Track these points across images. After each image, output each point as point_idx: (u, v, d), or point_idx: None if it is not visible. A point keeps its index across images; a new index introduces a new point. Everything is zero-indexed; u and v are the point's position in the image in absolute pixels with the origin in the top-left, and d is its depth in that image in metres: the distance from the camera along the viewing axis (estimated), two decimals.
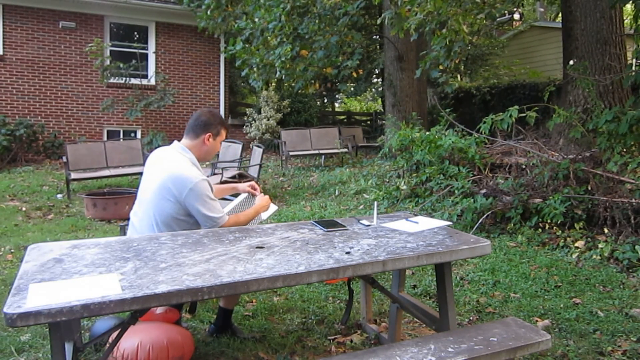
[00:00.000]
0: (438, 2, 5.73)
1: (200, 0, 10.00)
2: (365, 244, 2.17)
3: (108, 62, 10.59)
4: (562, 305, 3.28)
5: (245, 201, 3.00)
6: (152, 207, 2.49)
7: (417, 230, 2.44)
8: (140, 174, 7.93)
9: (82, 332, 2.72)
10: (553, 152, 5.56)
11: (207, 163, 9.47)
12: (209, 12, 9.34)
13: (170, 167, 2.49)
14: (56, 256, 1.94)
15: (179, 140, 2.67)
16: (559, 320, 3.06)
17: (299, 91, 11.38)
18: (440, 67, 6.41)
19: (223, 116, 12.06)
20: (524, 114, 5.31)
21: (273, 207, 2.98)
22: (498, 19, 12.97)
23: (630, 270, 3.86)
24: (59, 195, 7.06)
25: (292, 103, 12.39)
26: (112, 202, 5.94)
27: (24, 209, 6.29)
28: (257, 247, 2.10)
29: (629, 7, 6.73)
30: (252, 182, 3.01)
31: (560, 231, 4.63)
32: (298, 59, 7.72)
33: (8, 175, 8.50)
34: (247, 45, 8.35)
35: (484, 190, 5.26)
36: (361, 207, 6.25)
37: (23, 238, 4.96)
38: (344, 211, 6.16)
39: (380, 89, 16.78)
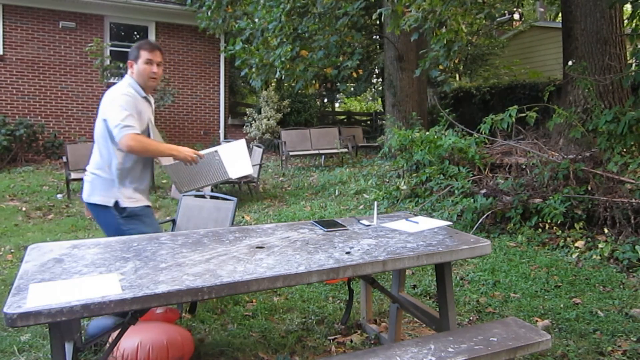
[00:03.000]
0: (435, 0, 5.73)
1: (201, 1, 10.00)
2: (365, 244, 2.17)
3: (108, 62, 10.59)
4: (562, 305, 3.28)
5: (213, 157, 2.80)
6: (95, 133, 2.66)
7: (417, 230, 2.44)
8: None
9: (82, 332, 2.72)
10: (553, 152, 5.56)
11: None
12: (209, 13, 9.33)
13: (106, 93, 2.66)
14: (56, 256, 1.94)
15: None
16: (559, 320, 3.06)
17: (299, 91, 11.37)
18: (440, 67, 6.40)
19: (222, 114, 12.09)
20: (524, 114, 5.31)
21: (240, 170, 2.77)
22: (498, 19, 12.98)
23: (630, 270, 3.86)
24: (59, 195, 7.06)
25: (292, 103, 12.38)
26: None
27: (24, 209, 6.29)
28: (257, 247, 2.10)
29: (628, 7, 6.73)
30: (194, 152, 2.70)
31: (560, 231, 4.63)
32: (298, 59, 7.72)
33: (8, 175, 8.50)
34: (247, 46, 8.35)
35: (484, 190, 5.26)
36: (361, 207, 6.25)
37: (23, 238, 4.96)
38: (344, 211, 6.16)
39: (380, 89, 16.79)
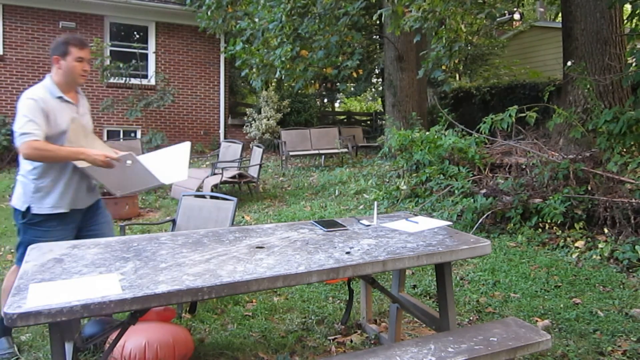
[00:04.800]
0: (435, 1, 5.73)
1: (201, 0, 10.00)
2: (365, 244, 2.17)
3: (108, 62, 10.58)
4: (562, 305, 3.28)
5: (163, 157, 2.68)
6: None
7: (417, 230, 2.44)
8: None
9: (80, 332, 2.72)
10: (553, 152, 5.56)
11: (207, 163, 9.49)
12: (209, 13, 9.33)
13: None
14: (56, 256, 1.94)
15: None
16: (559, 320, 3.06)
17: (299, 91, 11.37)
18: (443, 67, 6.40)
19: (222, 114, 12.08)
20: (524, 114, 5.31)
21: (175, 176, 2.63)
22: (498, 19, 12.96)
23: (630, 270, 3.86)
24: None
25: (292, 103, 12.38)
26: (112, 202, 5.93)
27: None
28: (257, 247, 2.10)
29: (628, 7, 6.73)
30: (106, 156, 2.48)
31: (560, 231, 4.63)
32: (298, 59, 7.71)
33: (8, 175, 8.50)
34: (247, 46, 8.35)
35: (484, 190, 5.26)
36: (361, 207, 6.25)
37: None
38: (344, 211, 6.16)
39: (380, 89, 16.79)
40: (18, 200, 2.56)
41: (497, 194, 5.13)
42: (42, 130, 2.41)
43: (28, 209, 2.52)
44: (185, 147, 2.72)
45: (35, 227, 2.54)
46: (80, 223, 2.68)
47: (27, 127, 2.39)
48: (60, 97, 2.55)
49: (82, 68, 2.56)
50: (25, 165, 2.54)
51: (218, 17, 9.37)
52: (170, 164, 2.65)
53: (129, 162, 2.47)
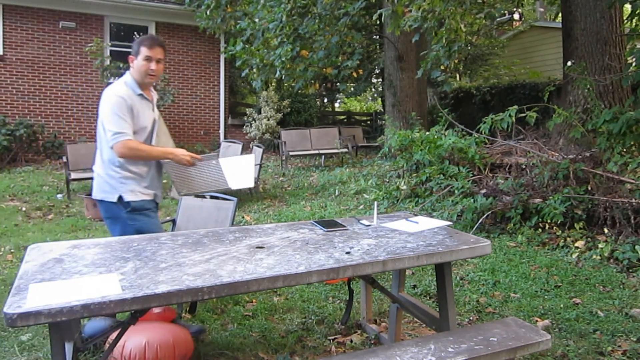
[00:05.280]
0: (435, 0, 5.73)
1: (200, 0, 9.99)
2: (365, 244, 2.17)
3: (108, 62, 10.58)
4: (562, 305, 3.28)
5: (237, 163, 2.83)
6: (97, 132, 2.68)
7: (417, 230, 2.44)
8: None
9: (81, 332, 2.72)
10: (553, 152, 5.56)
11: None
12: (208, 12, 9.33)
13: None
14: (56, 256, 1.94)
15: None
16: (559, 320, 3.06)
17: (299, 91, 11.37)
18: (442, 67, 6.41)
19: (222, 114, 12.08)
20: (524, 114, 5.31)
21: (242, 182, 2.77)
22: (498, 19, 12.97)
23: (630, 270, 3.86)
24: (59, 195, 7.06)
25: (292, 103, 12.38)
26: None
27: (24, 209, 6.29)
28: (257, 247, 2.10)
29: (628, 7, 6.73)
30: (191, 155, 2.74)
31: (560, 231, 4.63)
32: (298, 59, 7.71)
33: (8, 175, 8.50)
34: (247, 46, 8.35)
35: (484, 190, 5.26)
36: (361, 207, 6.25)
37: (23, 238, 4.96)
38: (344, 211, 6.16)
39: (380, 89, 16.78)
40: (104, 193, 2.65)
41: (497, 194, 5.13)
42: (131, 128, 2.56)
43: (120, 198, 2.62)
44: (250, 158, 2.88)
45: (139, 213, 2.65)
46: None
47: (120, 126, 2.52)
48: (140, 95, 2.67)
49: (149, 67, 2.64)
50: (105, 158, 2.64)
51: (217, 16, 9.37)
52: (238, 171, 2.79)
53: (214, 162, 2.65)
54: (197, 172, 2.70)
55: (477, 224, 4.91)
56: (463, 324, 3.06)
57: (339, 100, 21.78)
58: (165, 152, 2.68)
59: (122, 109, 2.54)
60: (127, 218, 2.64)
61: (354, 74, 8.49)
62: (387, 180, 7.30)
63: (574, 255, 4.21)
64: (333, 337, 2.86)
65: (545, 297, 3.44)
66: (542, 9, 17.26)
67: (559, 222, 4.59)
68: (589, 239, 4.41)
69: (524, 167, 5.57)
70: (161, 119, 2.91)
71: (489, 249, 2.24)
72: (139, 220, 2.64)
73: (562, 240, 4.48)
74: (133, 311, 1.80)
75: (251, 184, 2.84)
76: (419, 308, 2.61)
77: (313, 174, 9.01)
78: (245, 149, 7.86)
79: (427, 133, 6.49)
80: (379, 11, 6.73)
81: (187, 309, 3.16)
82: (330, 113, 17.45)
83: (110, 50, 10.97)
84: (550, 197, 4.73)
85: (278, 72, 7.83)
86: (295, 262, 1.90)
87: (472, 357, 1.85)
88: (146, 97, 2.72)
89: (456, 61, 6.43)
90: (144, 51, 2.63)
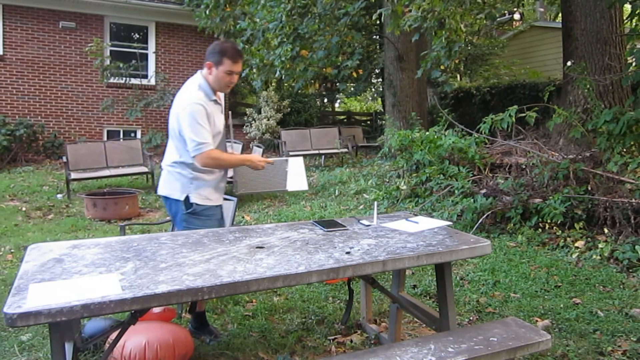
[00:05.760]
0: (435, 0, 5.73)
1: (199, 0, 9.99)
2: (365, 244, 2.17)
3: (108, 62, 10.58)
4: (562, 305, 3.28)
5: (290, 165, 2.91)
6: (170, 130, 2.71)
7: (417, 230, 2.44)
8: (141, 174, 7.95)
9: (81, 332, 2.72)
10: (553, 152, 5.56)
11: None
12: (207, 12, 9.32)
13: (179, 91, 2.68)
14: (56, 256, 1.94)
15: None
16: (559, 320, 3.06)
17: (299, 91, 11.37)
18: (442, 67, 6.40)
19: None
20: (524, 114, 5.31)
21: (297, 184, 2.86)
22: (498, 19, 12.96)
23: (630, 270, 3.86)
24: (59, 195, 7.06)
25: (292, 103, 12.38)
26: (112, 202, 5.94)
27: (24, 209, 6.29)
28: (257, 247, 2.10)
29: (628, 7, 6.73)
30: (266, 161, 2.82)
31: (560, 231, 4.63)
32: (298, 59, 7.71)
33: (8, 175, 8.50)
34: (247, 46, 8.34)
35: (484, 190, 5.26)
36: (361, 207, 6.25)
37: (23, 238, 4.96)
38: (344, 211, 6.16)
39: (380, 89, 16.78)
40: (174, 191, 2.68)
41: (497, 194, 5.13)
42: (211, 135, 2.59)
43: (187, 198, 2.64)
44: (300, 161, 2.94)
45: (197, 216, 2.66)
46: (221, 216, 2.81)
47: (202, 136, 2.53)
48: (214, 100, 2.67)
49: (230, 80, 2.65)
50: (177, 157, 2.65)
51: (216, 15, 9.36)
52: (292, 173, 2.86)
53: (287, 169, 2.74)
54: (260, 174, 2.77)
55: (477, 224, 4.91)
56: (463, 324, 3.06)
57: (339, 100, 21.78)
58: (243, 159, 2.73)
59: (202, 118, 2.53)
60: (184, 219, 2.67)
61: (354, 74, 8.48)
62: (387, 180, 7.30)
63: (574, 255, 4.21)
64: (333, 337, 2.86)
65: (545, 297, 3.44)
66: (542, 9, 17.26)
67: (559, 222, 4.59)
68: (589, 239, 4.41)
69: (524, 167, 5.57)
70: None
71: (489, 249, 2.24)
72: (193, 224, 2.65)
73: (562, 240, 4.48)
74: (133, 311, 1.80)
75: (306, 187, 2.90)
76: (419, 308, 2.61)
77: (313, 174, 9.01)
78: (246, 149, 7.86)
79: (427, 133, 6.48)
80: (379, 11, 6.73)
81: (187, 309, 3.16)
82: (330, 113, 17.45)
83: (110, 50, 10.97)
84: (550, 197, 4.73)
85: (278, 72, 7.82)
86: (295, 262, 1.90)
87: (472, 357, 1.85)
88: (218, 101, 2.72)
89: (456, 61, 6.43)
90: (228, 65, 2.58)
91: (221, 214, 2.81)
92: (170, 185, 2.70)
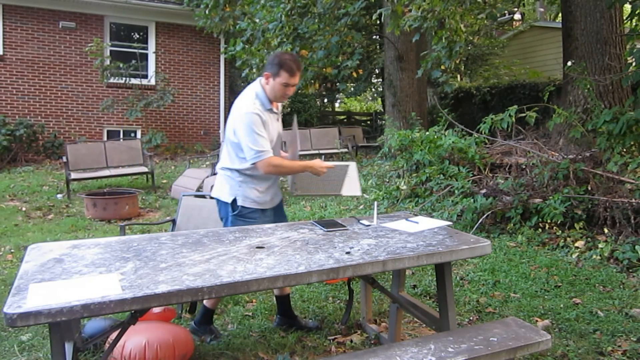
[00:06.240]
0: (435, 0, 5.73)
1: (199, 0, 9.99)
2: (365, 244, 2.17)
3: (108, 62, 10.59)
4: (562, 305, 3.28)
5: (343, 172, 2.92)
6: (225, 135, 2.75)
7: (417, 230, 2.44)
8: (141, 174, 7.95)
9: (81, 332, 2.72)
10: (553, 152, 5.56)
11: (207, 163, 9.48)
12: (207, 12, 9.33)
13: (238, 97, 2.74)
14: (56, 256, 1.94)
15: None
16: (559, 320, 3.06)
17: (299, 91, 11.37)
18: (442, 67, 6.40)
19: (222, 114, 12.07)
20: (524, 114, 5.31)
21: (351, 190, 2.86)
22: (498, 19, 12.96)
23: (630, 270, 3.86)
24: (59, 195, 7.06)
25: (292, 103, 12.39)
26: (112, 202, 5.94)
27: (24, 209, 6.29)
28: (257, 247, 2.10)
29: (628, 7, 6.73)
30: (327, 166, 2.84)
31: (560, 231, 4.63)
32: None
33: (8, 175, 8.50)
34: (247, 46, 8.34)
35: (484, 190, 5.26)
36: (361, 207, 6.25)
37: (23, 238, 4.96)
38: (344, 211, 6.16)
39: (380, 89, 16.78)
40: (224, 193, 2.74)
41: (497, 194, 5.13)
42: (269, 143, 2.62)
43: (234, 200, 2.68)
44: (354, 166, 2.95)
45: (243, 218, 2.69)
46: (273, 219, 2.82)
47: (260, 145, 2.57)
48: (270, 109, 2.71)
49: (285, 93, 2.68)
50: (229, 163, 2.71)
51: (215, 15, 9.37)
52: (350, 179, 2.87)
53: (348, 174, 2.76)
54: (321, 177, 2.79)
55: (477, 224, 4.91)
56: (463, 324, 3.06)
57: (339, 100, 21.79)
58: (304, 166, 2.74)
59: (259, 127, 2.57)
60: (230, 221, 2.71)
61: (354, 74, 8.49)
62: (387, 180, 7.30)
63: (574, 255, 4.21)
64: (333, 337, 2.86)
65: (545, 297, 3.44)
66: (542, 9, 17.26)
67: (559, 222, 4.59)
68: (589, 239, 4.41)
69: (524, 167, 5.57)
70: (296, 124, 2.97)
71: (489, 249, 2.24)
72: (239, 225, 2.67)
73: (562, 240, 4.48)
74: (133, 311, 1.80)
75: (359, 193, 2.92)
76: (419, 308, 2.61)
77: None
78: None
79: (427, 133, 6.48)
80: (379, 11, 6.74)
81: (187, 309, 3.16)
82: (330, 113, 17.45)
83: (110, 50, 10.97)
84: (550, 197, 4.73)
85: None
86: (295, 262, 1.90)
87: (472, 357, 1.85)
88: (274, 110, 2.76)
89: (457, 61, 6.42)
90: (285, 77, 2.61)
91: (273, 217, 2.82)
92: (220, 188, 2.77)
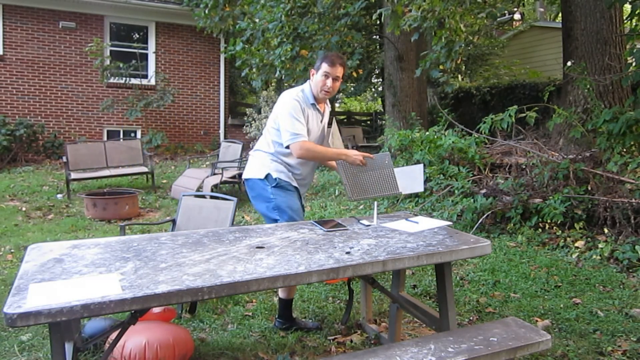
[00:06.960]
0: (435, 0, 5.73)
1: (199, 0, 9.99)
2: (365, 244, 2.17)
3: (108, 62, 10.58)
4: (562, 305, 3.28)
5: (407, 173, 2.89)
6: (266, 125, 2.90)
7: (417, 230, 2.44)
8: (141, 174, 7.95)
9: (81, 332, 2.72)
10: (553, 152, 5.56)
11: (207, 163, 9.49)
12: (206, 12, 9.33)
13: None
14: (56, 256, 1.94)
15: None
16: (559, 320, 3.06)
17: None
18: (441, 67, 6.40)
19: (222, 114, 12.08)
20: (524, 114, 5.31)
21: (413, 186, 2.83)
22: (498, 19, 12.96)
23: (630, 270, 3.86)
24: (59, 195, 7.06)
25: None
26: (112, 202, 5.94)
27: (24, 209, 6.29)
28: (257, 247, 2.10)
29: (628, 7, 6.73)
30: (363, 155, 2.81)
31: (560, 231, 4.63)
32: (298, 59, 7.71)
33: (8, 175, 8.50)
34: (247, 46, 8.34)
35: (484, 190, 5.26)
36: (361, 207, 6.25)
37: (23, 238, 4.96)
38: (344, 211, 6.16)
39: (380, 89, 16.78)
40: (256, 171, 2.84)
41: (497, 194, 5.13)
42: (306, 129, 2.72)
43: (267, 175, 2.79)
44: (420, 167, 2.94)
45: (282, 188, 2.79)
46: (300, 201, 2.90)
47: (296, 128, 2.67)
48: (313, 104, 2.82)
49: (324, 83, 2.75)
50: (265, 147, 2.83)
51: (215, 15, 9.37)
52: (408, 177, 2.85)
53: (387, 161, 2.72)
54: (368, 177, 2.78)
55: (477, 224, 4.92)
56: (463, 324, 3.06)
57: (339, 100, 21.77)
58: (339, 153, 2.76)
59: (297, 111, 2.69)
60: (270, 193, 2.77)
61: (354, 74, 8.49)
62: None
63: (574, 255, 4.22)
64: (333, 337, 2.86)
65: (545, 297, 3.44)
66: (542, 9, 17.26)
67: (559, 222, 4.59)
68: (589, 239, 4.41)
69: (524, 167, 5.57)
70: (335, 124, 3.04)
71: (489, 249, 2.24)
72: (280, 195, 2.77)
73: (562, 240, 4.48)
74: (133, 311, 1.80)
75: (421, 189, 2.91)
76: (419, 308, 2.61)
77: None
78: (246, 149, 7.86)
79: (427, 133, 6.48)
80: (379, 11, 6.73)
81: (187, 309, 3.16)
82: (330, 113, 17.43)
83: (110, 50, 10.97)
84: (550, 197, 4.73)
85: (278, 72, 7.83)
86: (295, 262, 1.90)
87: (472, 357, 1.85)
88: (318, 108, 2.84)
89: (457, 61, 6.42)
90: (324, 67, 2.73)
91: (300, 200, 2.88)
92: (251, 167, 2.86)
